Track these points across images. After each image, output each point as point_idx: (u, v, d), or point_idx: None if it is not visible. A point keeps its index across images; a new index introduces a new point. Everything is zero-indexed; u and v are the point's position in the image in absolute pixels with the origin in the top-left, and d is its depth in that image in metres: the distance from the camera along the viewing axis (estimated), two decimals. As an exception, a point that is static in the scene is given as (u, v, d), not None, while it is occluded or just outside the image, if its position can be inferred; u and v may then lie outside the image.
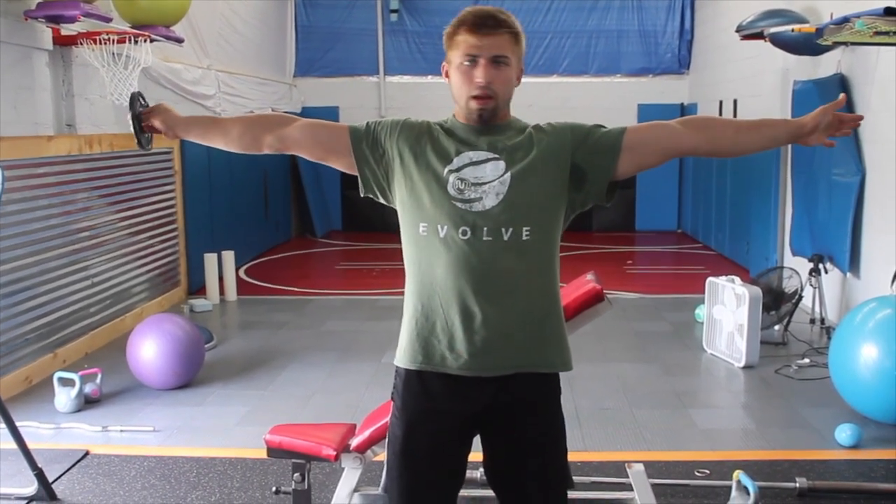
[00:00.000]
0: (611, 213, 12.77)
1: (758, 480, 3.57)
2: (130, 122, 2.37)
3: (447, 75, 2.18)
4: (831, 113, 2.17)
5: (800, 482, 3.77)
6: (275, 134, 2.28)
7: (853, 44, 5.86)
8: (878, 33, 4.74)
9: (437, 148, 2.16)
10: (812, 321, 6.72)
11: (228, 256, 8.14)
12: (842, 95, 2.27)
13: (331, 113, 12.36)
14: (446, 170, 2.12)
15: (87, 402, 4.99)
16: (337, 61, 12.89)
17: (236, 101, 9.75)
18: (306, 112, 12.21)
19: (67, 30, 5.83)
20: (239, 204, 9.83)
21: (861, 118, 2.24)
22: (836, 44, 5.93)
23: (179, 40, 6.71)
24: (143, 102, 2.41)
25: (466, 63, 2.09)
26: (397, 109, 12.56)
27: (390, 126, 2.22)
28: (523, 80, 2.22)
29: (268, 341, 6.54)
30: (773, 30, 6.93)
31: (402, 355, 2.21)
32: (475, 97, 2.10)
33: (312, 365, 5.89)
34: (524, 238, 2.10)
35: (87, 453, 4.29)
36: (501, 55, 2.10)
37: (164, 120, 2.36)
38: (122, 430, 4.60)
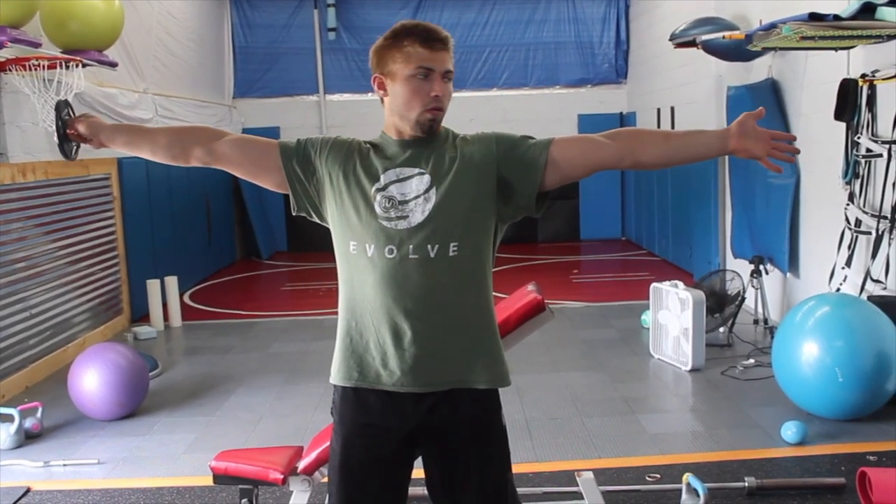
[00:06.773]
0: (555, 223, 12.87)
1: (707, 482, 3.60)
2: (54, 129, 2.37)
3: (382, 87, 2.14)
4: (752, 119, 2.12)
5: (748, 481, 3.82)
6: (204, 147, 2.25)
7: (782, 49, 6.00)
8: (803, 38, 4.85)
9: (366, 166, 2.15)
10: (755, 322, 6.84)
11: (172, 282, 8.03)
12: (760, 108, 2.20)
13: (272, 133, 12.27)
14: (374, 188, 2.12)
15: (28, 438, 4.87)
16: (276, 81, 12.84)
17: (174, 125, 9.62)
18: (247, 133, 12.11)
19: (-5, 56, 5.70)
20: (181, 228, 9.69)
21: (793, 138, 2.19)
22: (766, 49, 6.06)
23: (113, 64, 6.60)
24: (69, 111, 2.41)
25: (420, 77, 2.08)
26: (338, 128, 12.53)
27: (320, 144, 2.21)
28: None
29: (214, 366, 6.44)
30: (704, 37, 7.05)
31: (338, 373, 2.23)
32: (431, 109, 2.09)
33: (260, 388, 5.81)
34: (451, 254, 2.09)
35: (28, 490, 4.17)
36: (450, 70, 2.12)
37: (88, 125, 2.35)
38: (64, 465, 4.48)
